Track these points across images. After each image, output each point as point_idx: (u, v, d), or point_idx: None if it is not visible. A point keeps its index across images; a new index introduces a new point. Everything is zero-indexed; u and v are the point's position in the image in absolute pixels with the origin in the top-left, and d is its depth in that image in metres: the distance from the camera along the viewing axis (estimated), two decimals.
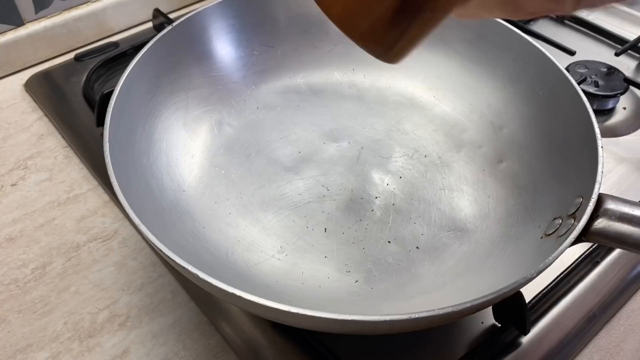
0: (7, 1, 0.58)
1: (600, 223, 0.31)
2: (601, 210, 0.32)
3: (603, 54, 0.61)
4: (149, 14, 0.65)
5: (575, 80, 0.40)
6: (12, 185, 0.49)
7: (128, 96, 0.40)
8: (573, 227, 0.32)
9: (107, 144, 0.36)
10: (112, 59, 0.59)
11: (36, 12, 0.60)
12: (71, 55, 0.62)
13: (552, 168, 0.40)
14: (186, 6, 0.70)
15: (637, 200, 0.32)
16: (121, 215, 0.46)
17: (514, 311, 0.36)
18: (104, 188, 0.48)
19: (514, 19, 0.24)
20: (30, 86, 0.59)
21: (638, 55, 0.61)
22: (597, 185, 0.33)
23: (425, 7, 0.21)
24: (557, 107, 0.41)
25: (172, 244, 0.31)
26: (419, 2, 0.21)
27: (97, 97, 0.50)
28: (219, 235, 0.41)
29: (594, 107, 0.44)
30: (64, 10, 0.62)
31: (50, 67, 0.61)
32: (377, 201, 0.44)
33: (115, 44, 0.63)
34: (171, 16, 0.66)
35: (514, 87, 0.46)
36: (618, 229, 0.31)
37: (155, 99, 0.44)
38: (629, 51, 0.60)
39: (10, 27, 0.59)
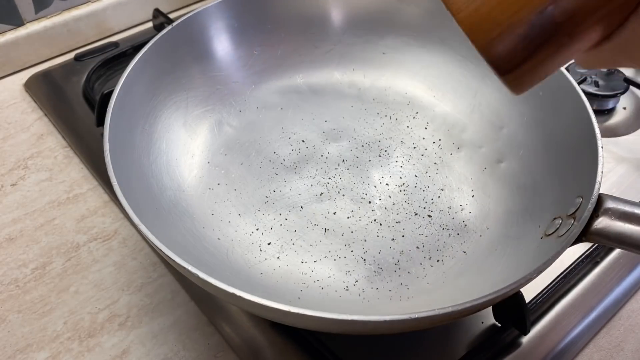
0: (7, 1, 0.58)
1: (600, 223, 0.31)
2: (601, 210, 0.32)
3: None
4: (149, 14, 0.65)
5: (575, 80, 0.40)
6: (12, 185, 0.49)
7: (128, 96, 0.40)
8: (573, 227, 0.32)
9: (107, 144, 0.36)
10: (112, 59, 0.59)
11: (36, 12, 0.60)
12: (71, 55, 0.62)
13: (552, 168, 0.40)
14: (186, 6, 0.70)
15: (637, 200, 0.32)
16: (121, 215, 0.46)
17: (514, 311, 0.36)
18: (104, 188, 0.48)
19: None
20: (30, 86, 0.59)
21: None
22: (597, 185, 0.33)
23: (564, 30, 0.19)
24: (557, 107, 0.41)
25: (172, 244, 0.31)
26: (556, 21, 0.19)
27: (97, 97, 0.50)
28: (219, 235, 0.41)
29: (594, 107, 0.44)
30: (64, 10, 0.62)
31: (50, 67, 0.61)
32: (377, 201, 0.44)
33: (115, 44, 0.63)
34: (171, 16, 0.66)
35: None
36: (618, 229, 0.31)
37: (155, 99, 0.44)
38: None
39: (10, 27, 0.59)
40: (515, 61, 0.20)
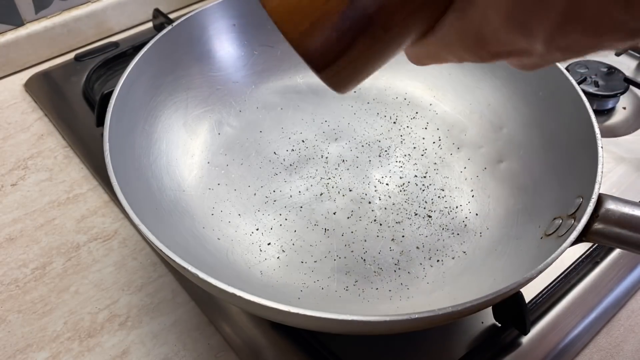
0: (7, 1, 0.58)
1: (600, 223, 0.31)
2: (601, 210, 0.32)
3: (603, 54, 0.61)
4: (149, 14, 0.65)
5: (575, 80, 0.40)
6: (12, 185, 0.49)
7: (128, 96, 0.40)
8: (573, 227, 0.32)
9: (107, 144, 0.36)
10: (112, 59, 0.59)
11: (36, 12, 0.60)
12: (71, 55, 0.62)
13: (552, 168, 0.40)
14: (186, 6, 0.70)
15: (637, 200, 0.32)
16: (121, 215, 0.46)
17: (514, 311, 0.36)
18: (104, 188, 0.48)
19: (477, 61, 0.20)
20: (30, 86, 0.59)
21: (638, 55, 0.61)
22: (597, 185, 0.33)
23: (377, 21, 0.18)
24: (557, 107, 0.41)
25: (172, 244, 0.31)
26: (368, 12, 0.18)
27: (97, 97, 0.49)
28: (219, 235, 0.41)
29: (594, 107, 0.44)
30: (64, 10, 0.62)
31: (50, 67, 0.61)
32: (377, 201, 0.44)
33: (115, 44, 0.63)
34: (171, 16, 0.66)
35: (514, 87, 0.46)
36: (618, 229, 0.31)
37: (155, 99, 0.44)
38: (629, 51, 0.60)
39: (10, 27, 0.59)
40: (329, 56, 0.19)
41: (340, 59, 0.19)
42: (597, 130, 0.36)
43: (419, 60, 0.22)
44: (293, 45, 0.19)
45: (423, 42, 0.20)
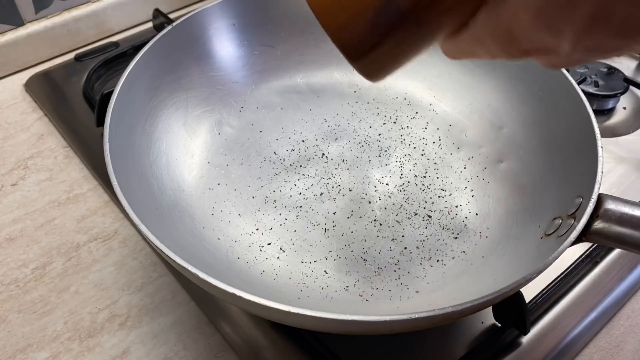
0: (7, 1, 0.58)
1: (600, 223, 0.31)
2: (601, 210, 0.32)
3: (630, 55, 0.61)
4: (149, 14, 0.65)
5: (575, 80, 0.40)
6: (12, 185, 0.49)
7: (128, 96, 0.40)
8: (573, 227, 0.32)
9: (107, 144, 0.36)
10: (112, 59, 0.59)
11: (36, 12, 0.60)
12: (71, 55, 0.62)
13: (552, 168, 0.40)
14: (186, 6, 0.70)
15: (637, 200, 0.32)
16: (121, 215, 0.46)
17: (514, 311, 0.36)
18: (104, 188, 0.48)
19: (507, 58, 0.21)
20: (30, 86, 0.59)
21: (638, 55, 0.61)
22: (597, 185, 0.33)
23: (411, 17, 0.19)
24: (557, 107, 0.41)
25: (172, 244, 0.31)
26: (403, 7, 0.19)
27: (97, 97, 0.49)
28: (219, 235, 0.41)
29: (594, 107, 0.44)
30: (64, 10, 0.62)
31: (50, 67, 0.61)
32: (377, 201, 0.44)
33: (115, 44, 0.63)
34: (171, 16, 0.66)
35: (514, 87, 0.46)
36: (618, 229, 0.31)
37: (155, 99, 0.44)
38: None
39: (10, 27, 0.59)
40: (363, 48, 0.20)
41: (374, 50, 0.20)
42: (597, 130, 0.36)
43: (452, 54, 0.23)
44: (330, 36, 0.20)
45: (456, 37, 0.21)
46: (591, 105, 0.38)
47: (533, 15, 0.18)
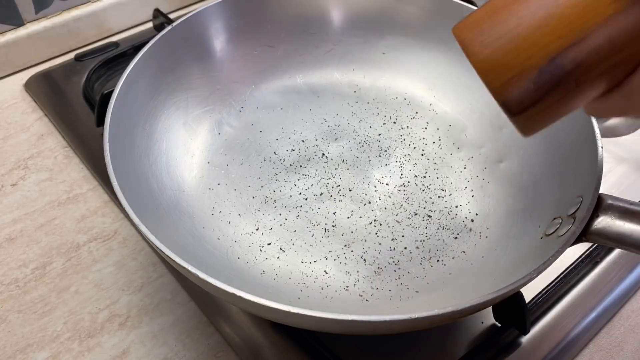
0: (7, 1, 0.58)
1: (600, 223, 0.31)
2: (601, 210, 0.32)
3: None
4: (149, 14, 0.65)
5: None
6: (12, 185, 0.49)
7: (128, 96, 0.40)
8: (573, 227, 0.32)
9: (107, 144, 0.36)
10: (112, 59, 0.59)
11: (36, 12, 0.60)
12: (71, 55, 0.61)
13: (552, 168, 0.40)
14: (186, 6, 0.70)
15: (637, 200, 0.32)
16: (121, 215, 0.46)
17: (514, 311, 0.36)
18: (104, 188, 0.48)
19: None
20: (30, 86, 0.59)
21: None
22: (597, 185, 0.33)
23: (572, 77, 0.21)
24: None
25: (172, 244, 0.31)
26: (566, 68, 0.20)
27: (97, 97, 0.49)
28: (219, 235, 0.41)
29: None
30: (64, 10, 0.62)
31: (50, 67, 0.61)
32: (377, 201, 0.44)
33: (115, 44, 0.63)
34: (171, 16, 0.66)
35: None
36: (618, 229, 0.31)
37: (155, 99, 0.44)
38: None
39: (10, 27, 0.59)
40: (525, 104, 0.22)
41: (534, 107, 0.22)
42: (597, 130, 0.36)
43: (598, 112, 0.23)
44: (493, 93, 0.22)
45: (607, 97, 0.22)
46: None
47: None
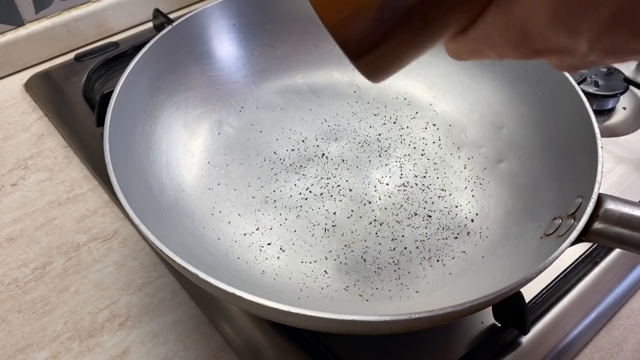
0: (7, 1, 0.58)
1: (600, 223, 0.31)
2: (601, 210, 0.32)
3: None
4: (149, 14, 0.65)
5: (575, 80, 0.40)
6: (12, 185, 0.49)
7: (128, 96, 0.40)
8: (573, 227, 0.32)
9: (107, 144, 0.36)
10: (112, 59, 0.59)
11: (36, 12, 0.60)
12: (71, 55, 0.62)
13: (552, 168, 0.40)
14: (186, 6, 0.70)
15: (637, 200, 0.32)
16: (121, 215, 0.46)
17: (514, 311, 0.36)
18: (104, 188, 0.49)
19: (518, 57, 0.20)
20: (30, 86, 0.59)
21: None
22: (597, 185, 0.33)
23: (416, 14, 0.18)
24: (557, 107, 0.41)
25: (172, 244, 0.31)
26: (408, 4, 0.18)
27: (97, 97, 0.49)
28: (219, 235, 0.41)
29: (594, 107, 0.44)
30: (64, 10, 0.62)
31: (50, 67, 0.61)
32: (377, 201, 0.44)
33: (115, 44, 0.63)
34: (171, 16, 0.66)
35: (514, 87, 0.46)
36: (618, 229, 0.31)
37: (155, 99, 0.44)
38: None
39: (10, 27, 0.59)
40: (366, 45, 0.19)
41: (377, 49, 0.19)
42: (597, 130, 0.36)
43: (457, 54, 0.22)
44: (330, 31, 0.19)
45: (463, 36, 0.20)
46: (591, 105, 0.38)
47: (551, 13, 0.17)
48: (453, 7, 0.18)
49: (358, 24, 0.19)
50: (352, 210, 0.43)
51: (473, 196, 0.44)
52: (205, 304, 0.40)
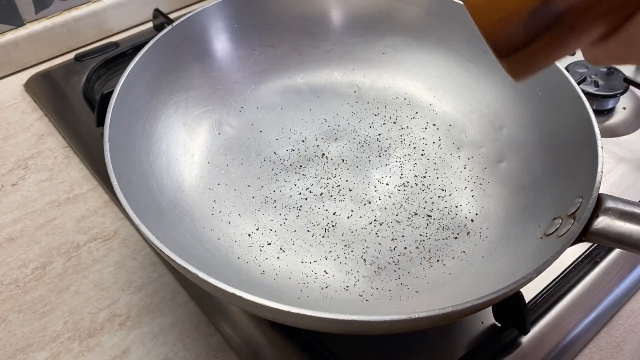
0: (7, 1, 0.58)
1: (600, 223, 0.31)
2: (601, 210, 0.32)
3: None
4: (149, 14, 0.65)
5: (575, 80, 0.40)
6: (12, 185, 0.49)
7: (128, 96, 0.40)
8: (573, 227, 0.32)
9: (107, 144, 0.36)
10: (112, 59, 0.59)
11: (36, 12, 0.60)
12: (71, 55, 0.62)
13: (552, 168, 0.40)
14: (186, 6, 0.70)
15: (637, 200, 0.32)
16: (121, 215, 0.47)
17: (514, 311, 0.36)
18: (104, 188, 0.49)
19: None
20: (30, 86, 0.59)
21: None
22: (597, 185, 0.33)
23: (565, 19, 0.20)
24: (557, 107, 0.41)
25: (172, 244, 0.31)
26: (559, 10, 0.20)
27: (97, 97, 0.50)
28: (219, 235, 0.41)
29: (594, 107, 0.44)
30: (64, 10, 0.62)
31: (50, 67, 0.61)
32: (377, 201, 0.44)
33: (115, 44, 0.63)
34: (171, 16, 0.66)
35: (513, 87, 0.46)
36: (618, 229, 0.31)
37: (155, 99, 0.44)
38: None
39: (10, 27, 0.59)
40: (514, 46, 0.21)
41: (524, 50, 0.21)
42: (597, 130, 0.36)
43: (596, 59, 0.23)
44: (483, 33, 0.21)
45: (605, 41, 0.21)
46: (591, 105, 0.38)
47: None
48: (600, 14, 0.20)
49: (510, 26, 0.21)
50: (352, 210, 0.43)
51: (473, 196, 0.44)
52: (205, 304, 0.40)
